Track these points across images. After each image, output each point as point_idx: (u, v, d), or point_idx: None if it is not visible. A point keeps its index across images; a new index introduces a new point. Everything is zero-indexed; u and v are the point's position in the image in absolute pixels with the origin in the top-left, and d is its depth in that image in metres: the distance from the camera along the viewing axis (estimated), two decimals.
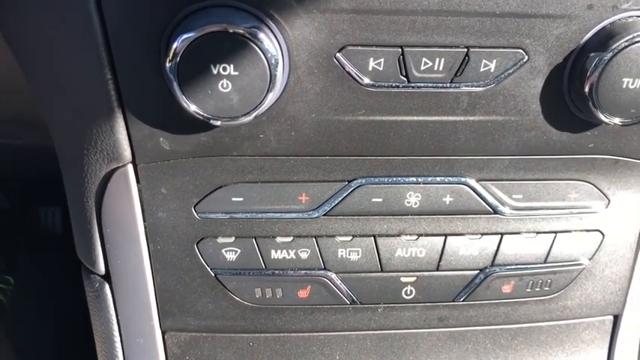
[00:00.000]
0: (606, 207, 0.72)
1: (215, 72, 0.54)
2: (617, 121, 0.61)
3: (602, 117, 0.61)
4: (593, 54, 0.58)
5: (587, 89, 0.59)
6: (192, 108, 0.55)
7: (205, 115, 0.56)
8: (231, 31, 0.52)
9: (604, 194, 0.71)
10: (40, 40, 0.60)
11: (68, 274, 1.15)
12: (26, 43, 0.61)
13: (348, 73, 0.58)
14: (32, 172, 1.55)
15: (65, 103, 0.63)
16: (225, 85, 0.54)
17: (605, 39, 0.58)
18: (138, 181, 0.65)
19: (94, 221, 0.68)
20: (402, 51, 0.58)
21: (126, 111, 0.60)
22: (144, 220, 0.67)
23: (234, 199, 0.66)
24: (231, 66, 0.54)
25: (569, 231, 0.72)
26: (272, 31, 0.55)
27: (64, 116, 0.65)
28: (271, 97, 0.56)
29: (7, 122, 1.14)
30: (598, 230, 0.73)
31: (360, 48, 0.57)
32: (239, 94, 0.55)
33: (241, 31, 0.52)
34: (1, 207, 1.61)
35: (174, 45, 0.53)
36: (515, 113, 0.63)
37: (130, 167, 0.64)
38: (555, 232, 0.72)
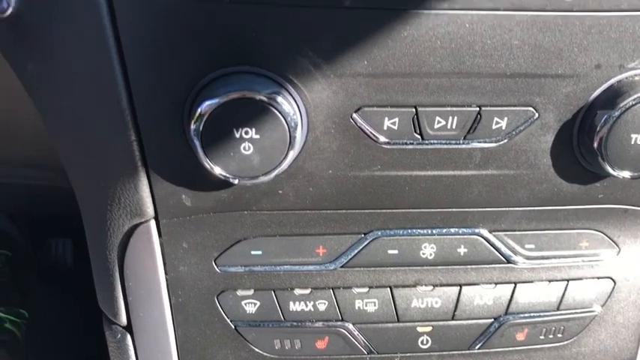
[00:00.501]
0: (617, 254, 0.73)
1: (237, 136, 0.56)
2: (626, 174, 0.63)
3: (611, 171, 0.62)
4: (601, 111, 0.60)
5: (596, 145, 0.61)
6: (215, 170, 0.57)
7: (227, 175, 0.58)
8: (252, 97, 0.55)
9: (614, 242, 0.73)
10: (66, 102, 0.62)
11: (81, 308, 1.16)
12: (51, 103, 0.64)
13: (364, 132, 0.60)
14: (45, 210, 1.57)
15: (89, 161, 0.65)
16: (247, 148, 0.56)
17: (612, 96, 0.60)
18: (160, 235, 0.67)
19: (117, 274, 0.69)
20: (416, 111, 0.60)
21: (149, 170, 0.62)
22: (165, 274, 0.68)
23: (253, 252, 0.68)
24: (253, 129, 0.56)
25: (581, 278, 0.73)
26: (291, 95, 0.57)
27: (87, 173, 0.67)
28: (290, 157, 0.58)
29: (19, 164, 1.17)
30: (609, 277, 0.74)
31: (375, 108, 0.59)
32: (260, 156, 0.57)
33: (262, 98, 0.55)
34: (14, 239, 1.63)
35: (199, 110, 0.55)
36: (527, 167, 0.64)
37: (153, 223, 0.66)
38: (567, 280, 0.73)
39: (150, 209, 0.65)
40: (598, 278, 0.74)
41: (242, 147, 0.56)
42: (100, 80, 0.58)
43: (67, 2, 0.55)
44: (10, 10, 0.57)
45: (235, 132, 0.56)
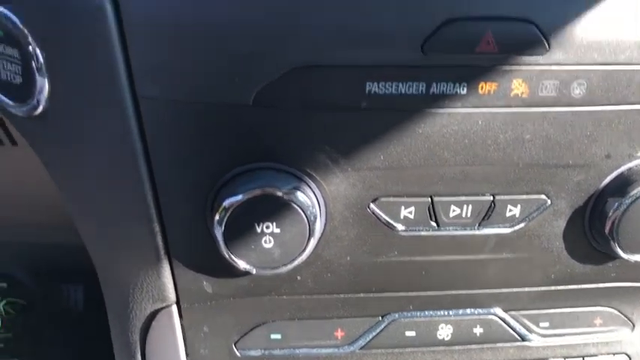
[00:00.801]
0: (632, 331, 0.74)
1: (259, 230, 0.57)
2: (638, 258, 0.64)
3: (623, 255, 0.64)
4: (611, 198, 0.62)
5: (607, 230, 0.63)
6: (237, 262, 0.59)
7: (248, 267, 0.59)
8: (273, 194, 0.56)
9: (629, 319, 0.74)
10: (91, 192, 0.64)
11: (93, 356, 1.17)
12: (76, 193, 0.66)
13: (382, 221, 0.62)
14: (57, 263, 1.59)
15: (112, 248, 0.67)
16: (267, 241, 0.58)
17: (623, 184, 0.62)
18: (181, 318, 0.68)
19: (138, 355, 0.71)
20: (432, 200, 0.61)
21: (172, 259, 0.64)
22: (186, 356, 0.70)
23: (272, 336, 0.69)
24: (274, 224, 0.57)
25: (596, 355, 0.74)
26: (310, 187, 0.59)
27: (110, 259, 0.69)
28: (310, 248, 0.60)
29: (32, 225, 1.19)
30: (625, 353, 0.75)
31: (392, 199, 0.61)
32: (280, 249, 0.58)
33: (283, 194, 0.56)
34: (27, 288, 1.64)
35: (221, 206, 0.57)
36: (540, 250, 0.66)
37: (174, 307, 0.67)
38: (583, 357, 0.74)
39: (172, 295, 0.66)
40: (613, 354, 0.75)
41: (263, 240, 0.58)
42: (125, 174, 0.60)
43: (94, 101, 0.58)
44: (40, 109, 0.59)
45: (257, 226, 0.57)
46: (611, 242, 0.63)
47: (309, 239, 0.59)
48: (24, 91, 0.59)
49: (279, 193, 0.57)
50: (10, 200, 1.09)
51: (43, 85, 0.58)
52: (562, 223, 0.64)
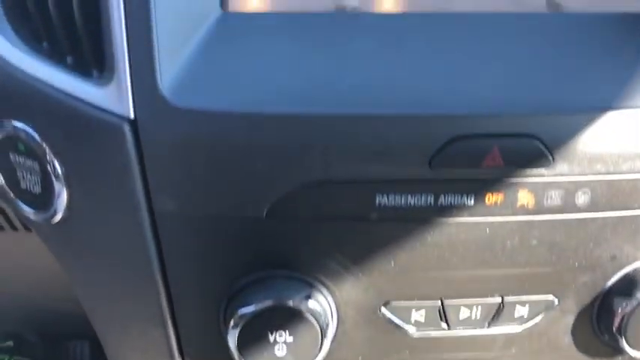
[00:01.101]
0: None
1: (271, 339, 0.58)
2: None
3: (631, 352, 0.64)
4: (618, 298, 0.63)
5: (615, 328, 0.63)
6: None
7: None
8: (285, 304, 0.58)
9: None
10: (107, 295, 0.65)
11: None
12: (93, 295, 0.67)
13: (393, 324, 0.63)
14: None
15: (126, 349, 0.68)
16: (280, 349, 0.59)
17: (629, 283, 0.63)
18: None
19: None
20: (442, 303, 0.62)
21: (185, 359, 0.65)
22: None
23: None
24: (286, 332, 0.58)
25: None
26: (322, 294, 0.60)
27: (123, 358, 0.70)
28: (322, 355, 0.60)
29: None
30: None
31: (402, 303, 0.62)
32: (293, 356, 0.59)
33: (295, 305, 0.58)
34: (34, 346, 1.64)
35: (233, 315, 0.58)
36: (549, 346, 0.66)
37: None
38: None
39: None
40: None
41: (276, 348, 0.59)
42: (139, 281, 0.61)
43: (111, 212, 0.59)
44: (58, 217, 0.61)
45: (270, 335, 0.58)
46: (620, 339, 0.64)
47: (321, 346, 0.59)
48: (43, 200, 0.61)
49: (291, 303, 0.58)
50: (20, 276, 1.11)
51: (61, 192, 0.60)
52: (570, 321, 0.65)
